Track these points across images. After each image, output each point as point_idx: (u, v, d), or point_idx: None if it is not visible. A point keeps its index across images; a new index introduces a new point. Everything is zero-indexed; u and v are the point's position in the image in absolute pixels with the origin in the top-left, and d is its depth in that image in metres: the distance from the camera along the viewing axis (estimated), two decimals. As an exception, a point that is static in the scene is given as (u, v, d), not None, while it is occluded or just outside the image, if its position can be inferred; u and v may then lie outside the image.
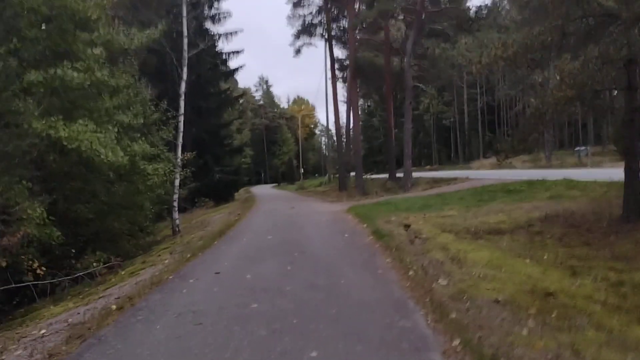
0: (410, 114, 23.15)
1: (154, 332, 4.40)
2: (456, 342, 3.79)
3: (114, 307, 5.27)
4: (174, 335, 4.28)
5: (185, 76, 14.49)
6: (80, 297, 7.23)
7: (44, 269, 8.80)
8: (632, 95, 7.66)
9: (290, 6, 30.87)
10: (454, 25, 21.90)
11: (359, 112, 37.80)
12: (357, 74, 27.03)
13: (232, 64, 36.66)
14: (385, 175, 33.82)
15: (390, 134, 30.05)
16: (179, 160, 14.19)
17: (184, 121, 22.64)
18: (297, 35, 31.49)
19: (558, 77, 7.43)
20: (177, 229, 14.15)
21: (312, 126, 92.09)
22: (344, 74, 34.52)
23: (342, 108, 39.70)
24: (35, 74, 8.60)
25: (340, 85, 40.30)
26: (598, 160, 28.45)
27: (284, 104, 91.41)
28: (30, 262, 8.63)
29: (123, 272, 8.76)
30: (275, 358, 3.64)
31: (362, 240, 8.95)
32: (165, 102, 15.98)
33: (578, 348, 3.64)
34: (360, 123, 40.37)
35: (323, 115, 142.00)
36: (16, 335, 5.36)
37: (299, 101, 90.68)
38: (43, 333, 4.95)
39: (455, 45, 10.02)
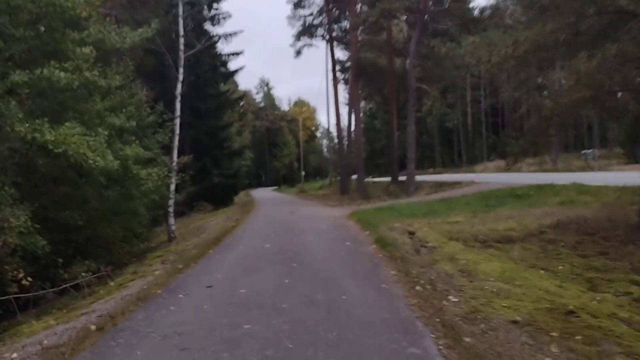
0: (414, 116, 22.68)
1: (133, 360, 3.93)
2: (473, 374, 3.33)
3: (93, 327, 4.80)
4: (155, 363, 3.81)
5: (181, 77, 14.02)
6: (64, 311, 6.77)
7: (30, 279, 8.32)
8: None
9: (290, 6, 30.53)
10: (458, 25, 21.44)
11: (361, 114, 37.34)
12: (359, 75, 26.57)
13: (232, 65, 36.23)
14: (388, 179, 33.34)
15: (393, 136, 29.56)
16: (174, 164, 13.70)
17: (181, 123, 22.23)
18: (298, 37, 31.10)
19: (574, 77, 6.93)
20: (172, 235, 13.66)
21: (314, 128, 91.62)
22: (345, 75, 34.09)
23: (344, 110, 39.28)
24: (20, 74, 8.15)
25: (341, 87, 39.92)
26: (605, 163, 27.95)
27: (285, 106, 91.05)
28: (15, 272, 8.16)
29: (112, 283, 8.29)
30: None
31: (364, 249, 8.47)
32: (162, 104, 15.56)
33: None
34: (362, 125, 39.94)
35: (324, 118, 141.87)
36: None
37: (300, 103, 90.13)
38: (14, 358, 4.48)
39: (460, 45, 9.57)
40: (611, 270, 6.82)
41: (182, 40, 14.08)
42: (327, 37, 30.22)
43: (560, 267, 7.19)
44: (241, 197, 35.16)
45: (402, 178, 28.60)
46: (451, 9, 21.11)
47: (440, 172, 45.85)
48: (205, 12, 27.92)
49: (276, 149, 77.10)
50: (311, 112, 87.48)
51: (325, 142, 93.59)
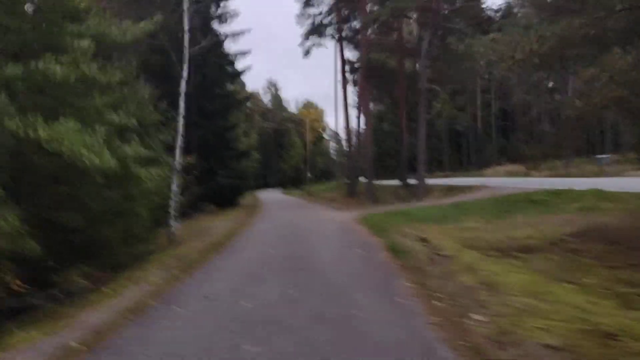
0: (425, 118, 22.11)
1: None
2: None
3: (75, 344, 4.31)
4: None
5: (185, 74, 13.55)
6: (50, 321, 6.27)
7: (21, 284, 7.84)
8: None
9: (299, 5, 30.05)
10: (471, 25, 20.87)
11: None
12: (368, 76, 26.04)
13: (240, 65, 35.73)
14: (396, 182, 32.76)
15: (402, 138, 28.98)
16: (177, 164, 13.20)
17: (188, 123, 21.79)
18: (307, 36, 30.61)
19: (606, 75, 6.38)
20: (174, 238, 13.16)
21: (321, 130, 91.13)
22: (354, 76, 33.56)
23: (353, 112, 38.81)
24: (12, 68, 7.71)
25: (350, 89, 39.38)
26: (620, 169, 27.19)
27: (292, 108, 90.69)
28: (4, 276, 7.67)
29: (107, 290, 7.80)
30: None
31: (376, 257, 7.94)
32: (167, 103, 15.08)
33: None
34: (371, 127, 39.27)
35: (332, 120, 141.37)
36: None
37: (308, 105, 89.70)
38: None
39: (480, 41, 9.06)
40: (643, 284, 6.28)
41: (187, 36, 13.59)
42: (337, 36, 29.72)
43: (587, 280, 6.63)
44: (247, 199, 34.69)
45: (411, 181, 28.03)
46: (464, 9, 20.56)
47: (449, 175, 45.17)
48: (212, 9, 27.47)
49: (283, 151, 76.75)
50: (319, 114, 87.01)
51: (332, 144, 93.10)
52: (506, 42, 7.44)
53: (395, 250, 8.07)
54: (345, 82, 30.92)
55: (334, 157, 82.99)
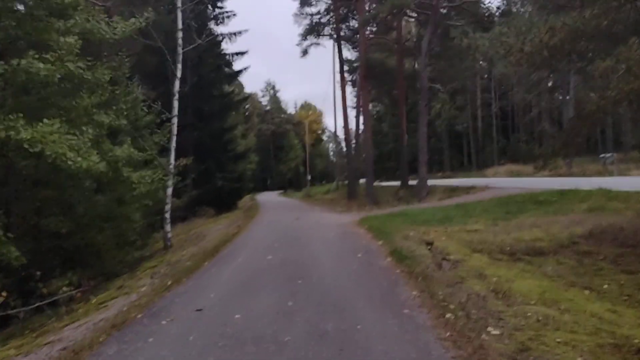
0: (426, 117, 21.67)
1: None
2: None
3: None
4: None
5: (179, 74, 13.07)
6: (31, 336, 5.85)
7: (4, 294, 7.41)
8: None
9: (297, 4, 29.65)
10: (472, 22, 20.45)
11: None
12: (367, 76, 25.60)
13: (237, 65, 35.31)
14: (396, 183, 32.32)
15: (403, 138, 28.56)
16: (171, 166, 12.75)
17: (184, 125, 21.41)
18: (304, 35, 30.16)
19: (624, 67, 5.95)
20: (169, 243, 12.71)
21: (320, 132, 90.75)
22: (353, 76, 33.17)
23: (352, 113, 38.48)
24: (-6, 65, 7.29)
25: (349, 90, 38.96)
26: (623, 167, 26.78)
27: (291, 110, 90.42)
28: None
29: (94, 300, 7.37)
30: None
31: (378, 263, 7.49)
32: (161, 104, 14.66)
33: None
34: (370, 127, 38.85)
35: (331, 121, 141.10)
36: None
37: (306, 106, 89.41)
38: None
39: (480, 37, 8.67)
40: (665, 290, 5.88)
41: (180, 34, 13.13)
42: (335, 36, 29.33)
43: (605, 286, 6.22)
44: (246, 201, 34.23)
45: (412, 182, 27.62)
46: (464, 6, 20.14)
47: (450, 176, 44.76)
48: (209, 9, 27.11)
49: (282, 153, 76.42)
50: (317, 116, 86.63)
51: (331, 145, 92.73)
52: (514, 35, 7.02)
53: (400, 255, 7.62)
54: (343, 82, 30.53)
55: (333, 159, 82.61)
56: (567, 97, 34.52)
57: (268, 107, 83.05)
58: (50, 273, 9.31)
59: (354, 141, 31.87)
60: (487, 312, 4.77)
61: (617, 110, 7.01)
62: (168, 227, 12.88)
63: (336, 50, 29.68)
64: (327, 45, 43.26)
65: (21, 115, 7.14)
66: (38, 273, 7.96)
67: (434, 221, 12.07)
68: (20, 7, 8.82)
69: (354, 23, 29.16)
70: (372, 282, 6.19)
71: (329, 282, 6.31)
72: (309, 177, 53.03)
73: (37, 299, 7.90)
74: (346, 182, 34.26)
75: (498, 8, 22.13)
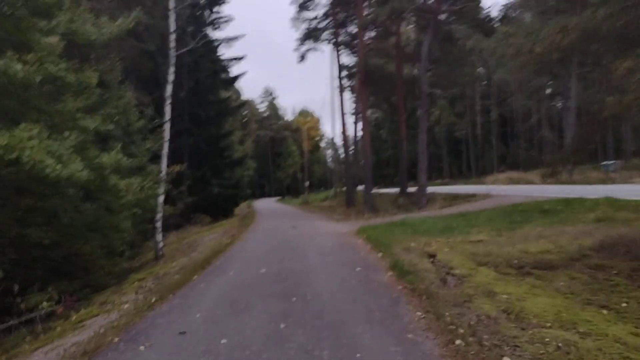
0: (426, 123, 21.20)
1: None
2: None
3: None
4: None
5: (171, 78, 12.60)
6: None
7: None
8: None
9: (294, 8, 29.31)
10: (472, 26, 20.09)
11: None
12: (366, 82, 25.20)
13: (234, 71, 35.00)
14: (395, 190, 31.84)
15: (402, 145, 28.11)
16: (163, 173, 12.25)
17: (180, 130, 20.98)
18: (302, 40, 29.79)
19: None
20: (160, 253, 12.20)
21: (318, 139, 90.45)
22: (351, 82, 32.76)
23: (350, 120, 38.16)
24: (-33, 67, 6.82)
25: (347, 96, 38.61)
26: (626, 175, 26.34)
27: (289, 116, 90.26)
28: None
29: (74, 317, 6.86)
30: None
31: (378, 278, 7.00)
32: (154, 109, 14.23)
33: None
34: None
35: (329, 128, 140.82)
36: None
37: (304, 113, 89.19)
38: None
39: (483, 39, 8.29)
40: (690, 309, 5.43)
41: (172, 37, 12.67)
42: (333, 41, 28.98)
43: (623, 304, 5.76)
44: (243, 208, 33.70)
45: (411, 189, 27.15)
46: (465, 9, 19.73)
47: (449, 183, 44.37)
48: (206, 14, 26.78)
49: (280, 159, 76.06)
50: (315, 122, 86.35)
51: (329, 152, 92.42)
52: (524, 35, 6.60)
53: (401, 270, 7.14)
54: (342, 88, 30.15)
55: (331, 166, 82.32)
56: (568, 104, 34.10)
57: (266, 114, 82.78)
58: (30, 286, 8.79)
59: (352, 148, 31.42)
60: (500, 338, 4.30)
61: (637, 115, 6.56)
62: (159, 237, 12.37)
63: (334, 55, 29.39)
64: (326, 50, 43.13)
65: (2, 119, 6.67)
66: (16, 287, 7.44)
67: (436, 231, 11.60)
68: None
69: (352, 28, 28.81)
70: (372, 300, 5.69)
71: (325, 300, 5.82)
72: (307, 184, 52.50)
73: (15, 316, 7.39)
74: (344, 188, 33.80)
75: (500, 11, 21.66)
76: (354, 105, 34.11)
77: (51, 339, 5.69)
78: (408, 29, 30.70)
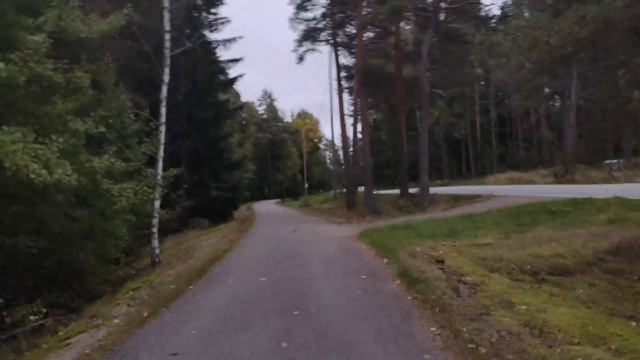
0: (427, 123, 20.84)
1: None
2: None
3: None
4: None
5: (167, 79, 12.18)
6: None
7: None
8: None
9: (292, 8, 28.91)
10: (473, 25, 19.71)
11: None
12: (365, 82, 24.83)
13: (232, 73, 34.56)
14: (395, 191, 31.46)
15: (402, 145, 27.74)
16: (159, 177, 11.82)
17: (178, 133, 20.57)
18: (300, 41, 29.45)
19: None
20: (156, 260, 11.78)
21: (317, 140, 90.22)
22: (350, 83, 32.39)
23: (349, 121, 37.85)
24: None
25: (346, 97, 38.21)
26: (630, 174, 25.94)
27: (288, 118, 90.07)
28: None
29: (62, 332, 6.44)
30: None
31: (386, 287, 6.59)
32: (150, 112, 13.81)
33: None
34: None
35: (328, 130, 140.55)
36: None
37: (303, 115, 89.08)
38: None
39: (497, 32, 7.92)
40: None
41: (167, 37, 12.24)
42: (332, 41, 28.65)
43: (652, 314, 5.38)
44: (242, 211, 33.28)
45: (411, 190, 26.76)
46: (466, 8, 19.37)
47: (450, 184, 43.98)
48: (204, 15, 26.44)
49: (279, 161, 75.73)
50: (314, 124, 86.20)
51: (328, 153, 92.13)
52: (539, 27, 6.20)
53: (410, 278, 6.73)
54: (341, 89, 29.83)
55: (331, 167, 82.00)
56: (568, 103, 33.73)
57: (265, 116, 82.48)
58: (20, 297, 8.38)
59: (351, 149, 31.07)
60: (527, 358, 3.88)
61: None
62: (156, 243, 11.96)
63: (333, 56, 29.08)
64: (324, 51, 42.81)
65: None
66: (1, 300, 7.01)
67: (441, 234, 11.19)
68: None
69: (350, 29, 28.48)
70: (381, 313, 5.28)
71: (330, 313, 5.40)
72: (306, 186, 52.16)
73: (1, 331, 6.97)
74: (344, 190, 33.42)
75: (502, 9, 21.31)
76: (353, 105, 33.73)
77: (37, 358, 5.27)
78: (407, 29, 30.31)
